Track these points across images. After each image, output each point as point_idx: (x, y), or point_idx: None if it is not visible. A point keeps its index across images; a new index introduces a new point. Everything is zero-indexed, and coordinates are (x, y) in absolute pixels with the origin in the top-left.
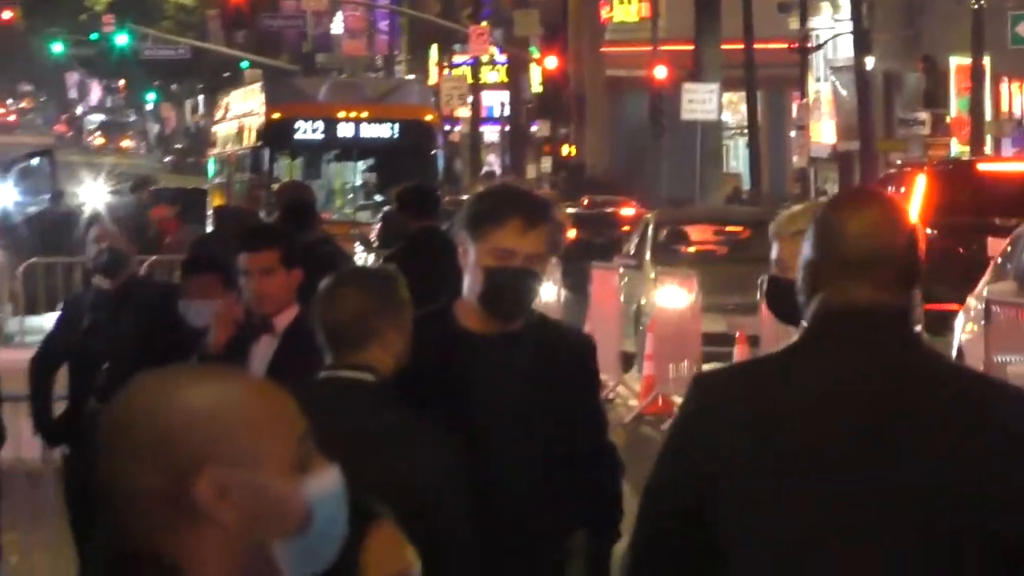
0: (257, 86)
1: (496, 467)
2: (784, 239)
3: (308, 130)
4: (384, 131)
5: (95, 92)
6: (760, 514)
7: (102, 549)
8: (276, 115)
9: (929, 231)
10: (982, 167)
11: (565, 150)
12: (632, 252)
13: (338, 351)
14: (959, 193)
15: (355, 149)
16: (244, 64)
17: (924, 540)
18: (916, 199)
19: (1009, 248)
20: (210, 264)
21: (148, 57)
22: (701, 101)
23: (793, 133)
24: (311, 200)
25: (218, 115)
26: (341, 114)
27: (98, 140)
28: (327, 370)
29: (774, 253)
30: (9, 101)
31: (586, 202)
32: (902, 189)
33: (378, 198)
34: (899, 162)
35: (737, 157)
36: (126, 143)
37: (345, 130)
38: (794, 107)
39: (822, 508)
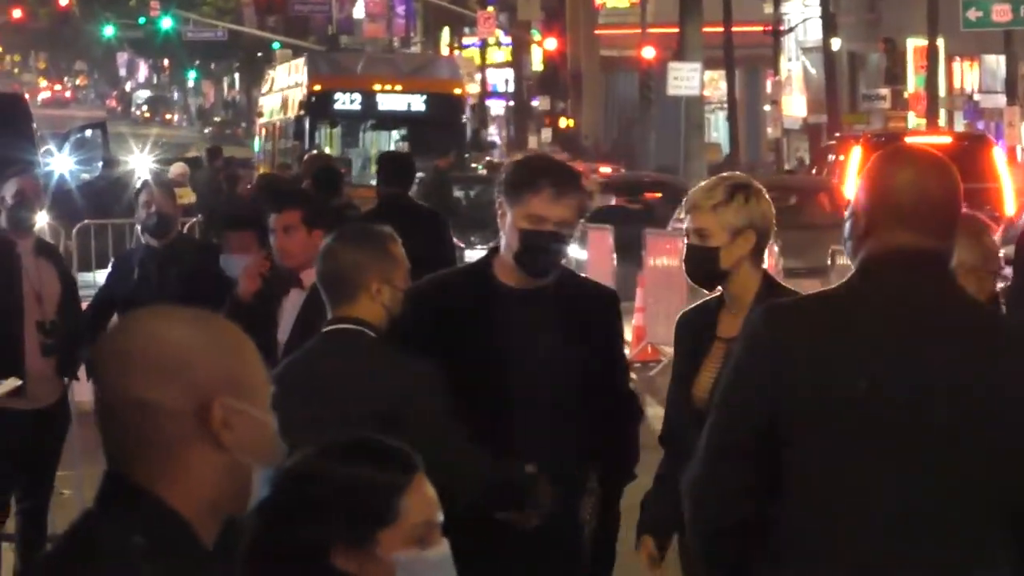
0: (300, 60)
1: (522, 408)
2: (704, 211)
3: (346, 101)
4: (417, 103)
5: (142, 71)
6: (819, 438)
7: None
8: (317, 87)
9: None
10: (909, 139)
11: (563, 122)
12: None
13: (333, 302)
14: None
15: (390, 119)
16: (275, 45)
17: (956, 464)
18: (852, 166)
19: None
20: (248, 222)
21: (190, 39)
22: (685, 78)
23: (767, 107)
24: (338, 168)
25: (264, 88)
26: (377, 87)
27: (145, 114)
28: (327, 324)
29: (693, 223)
30: (65, 79)
31: (581, 168)
32: (841, 157)
33: None
34: (837, 135)
35: (717, 129)
36: (170, 116)
37: (381, 102)
38: (768, 84)
39: (873, 433)
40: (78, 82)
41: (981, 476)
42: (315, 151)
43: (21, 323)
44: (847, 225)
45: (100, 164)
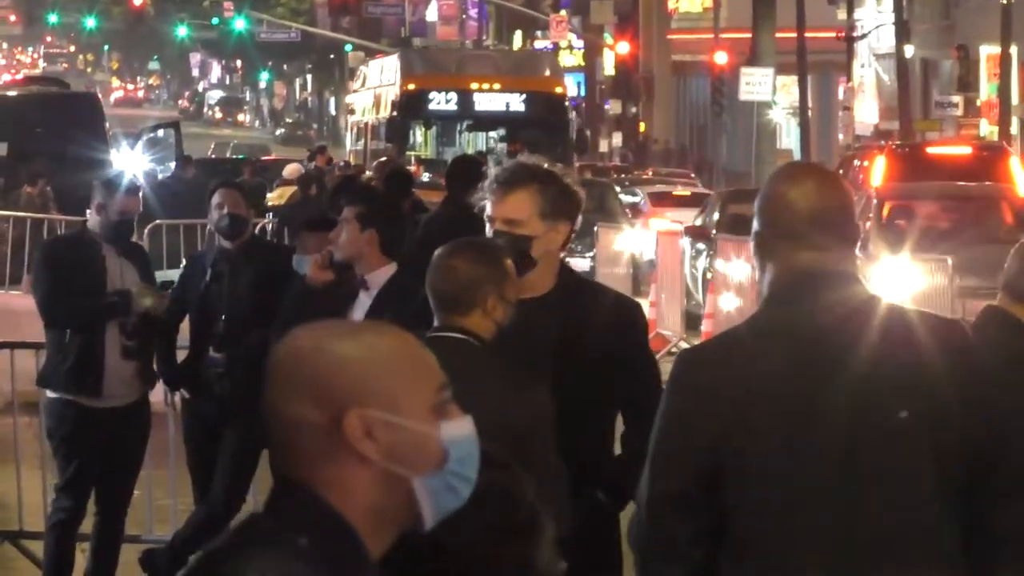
0: (393, 57)
1: None
2: None
3: (441, 101)
4: (516, 102)
5: (215, 71)
6: (756, 469)
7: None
8: (411, 86)
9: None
10: (930, 150)
11: (634, 127)
12: None
13: (444, 315)
14: (910, 169)
15: (487, 119)
16: (348, 47)
17: (893, 461)
18: (877, 174)
19: None
20: (326, 223)
21: (263, 40)
22: (757, 84)
23: (840, 113)
24: (409, 171)
25: (355, 84)
26: (474, 85)
27: (217, 114)
28: (433, 331)
29: None
30: (138, 79)
31: (651, 173)
32: (865, 163)
33: None
34: (857, 144)
35: (789, 135)
36: (241, 117)
37: (478, 101)
38: (841, 90)
39: (806, 455)
40: (151, 82)
41: (928, 482)
42: (383, 157)
43: (103, 324)
44: (752, 246)
45: (173, 164)
